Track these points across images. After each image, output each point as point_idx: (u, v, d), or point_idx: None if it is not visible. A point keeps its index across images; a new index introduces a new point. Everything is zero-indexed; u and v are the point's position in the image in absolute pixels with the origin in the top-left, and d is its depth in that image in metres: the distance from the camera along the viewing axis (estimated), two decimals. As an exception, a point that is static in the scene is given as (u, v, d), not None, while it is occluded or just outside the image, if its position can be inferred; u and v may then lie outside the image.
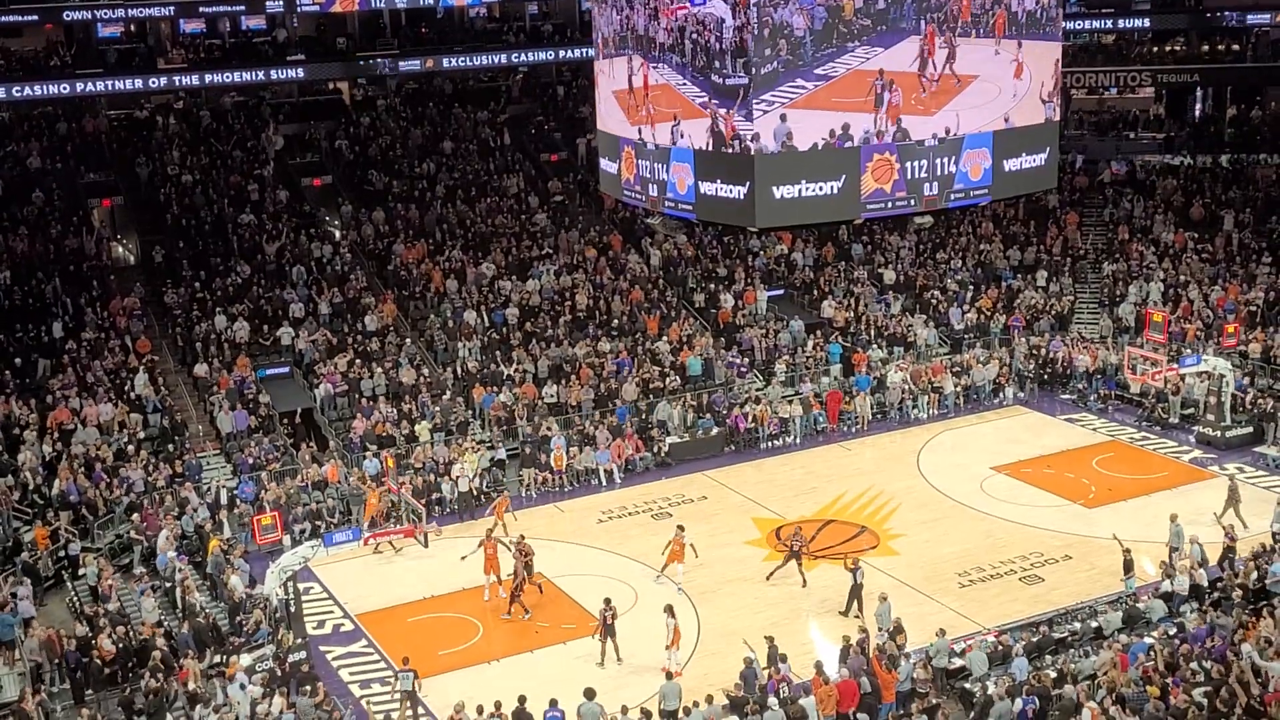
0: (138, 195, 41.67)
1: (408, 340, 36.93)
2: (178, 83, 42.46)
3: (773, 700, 19.74)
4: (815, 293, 41.66)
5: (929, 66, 22.42)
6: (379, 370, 35.05)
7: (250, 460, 31.25)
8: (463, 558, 26.27)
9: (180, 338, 36.06)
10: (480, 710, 19.88)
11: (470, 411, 34.67)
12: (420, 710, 21.61)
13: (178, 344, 36.06)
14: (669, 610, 22.93)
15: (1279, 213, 42.73)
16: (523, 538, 26.26)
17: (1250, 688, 17.63)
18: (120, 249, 41.08)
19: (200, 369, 34.67)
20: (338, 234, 41.83)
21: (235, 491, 30.01)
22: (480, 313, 38.17)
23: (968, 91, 22.99)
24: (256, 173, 42.77)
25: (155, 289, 37.97)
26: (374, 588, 26.92)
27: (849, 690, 20.12)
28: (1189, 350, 35.17)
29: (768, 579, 26.12)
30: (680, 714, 19.99)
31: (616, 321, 38.56)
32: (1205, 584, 23.42)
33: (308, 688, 21.31)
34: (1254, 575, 22.91)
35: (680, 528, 26.47)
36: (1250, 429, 32.88)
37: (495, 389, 34.81)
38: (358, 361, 35.31)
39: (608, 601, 23.41)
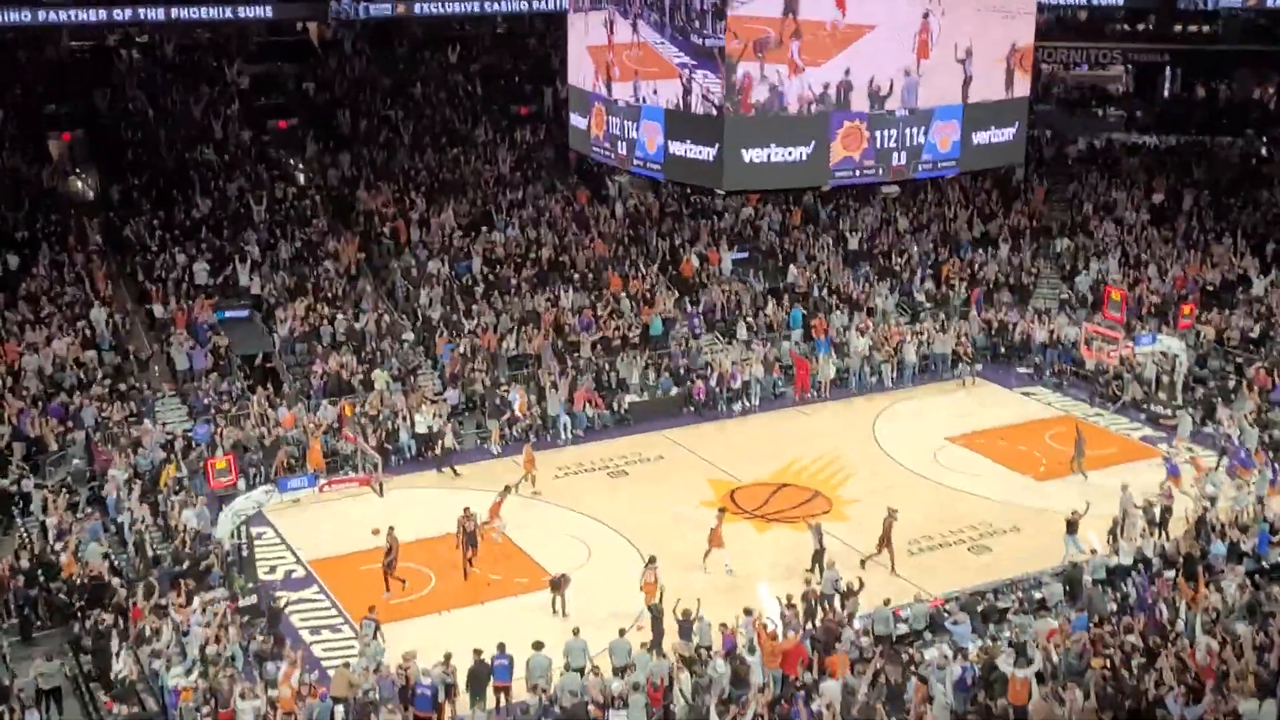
0: (98, 129, 41.11)
1: (369, 287, 36.75)
2: (143, 15, 41.72)
3: (719, 661, 19.97)
4: (780, 256, 41.72)
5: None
6: (339, 316, 34.87)
7: (206, 402, 31.07)
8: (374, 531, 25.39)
9: (139, 275, 35.67)
10: (447, 666, 19.96)
11: (430, 361, 34.61)
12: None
13: (136, 281, 35.68)
14: (651, 561, 23.28)
15: (1239, 195, 43.14)
16: (467, 510, 25.51)
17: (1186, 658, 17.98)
18: (79, 183, 40.56)
19: (159, 308, 34.35)
20: (301, 177, 41.45)
21: (190, 433, 29.84)
22: (444, 261, 38.00)
23: (863, 41, 22.80)
24: (221, 111, 42.27)
25: (114, 225, 37.53)
26: (327, 535, 26.89)
27: (797, 653, 20.34)
28: (1145, 329, 35.52)
29: (892, 572, 24.95)
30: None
31: (579, 275, 38.51)
32: (1151, 556, 23.81)
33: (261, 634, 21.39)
34: (1194, 548, 23.38)
35: (722, 510, 26.16)
36: (1200, 409, 33.29)
37: (455, 338, 34.74)
38: (318, 306, 35.12)
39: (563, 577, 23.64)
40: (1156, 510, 25.74)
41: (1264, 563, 23.69)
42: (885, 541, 25.06)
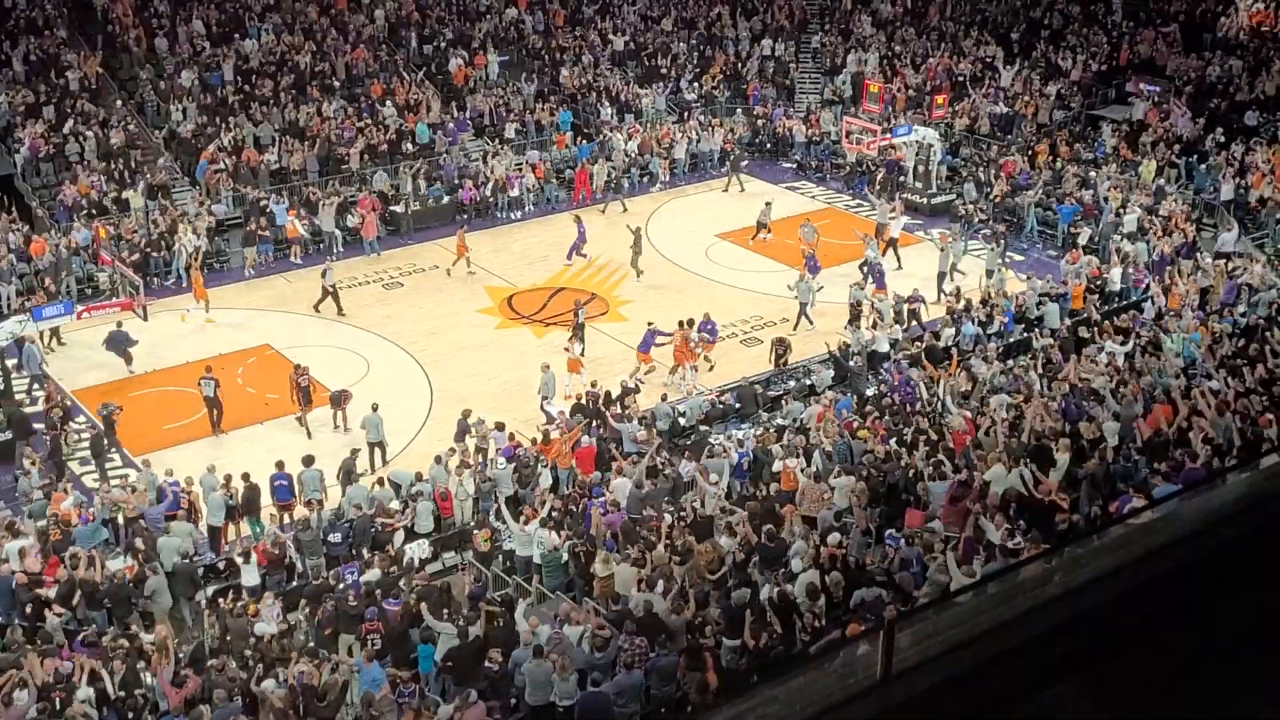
0: None
1: (118, 101, 34.69)
2: None
3: (503, 461, 20.34)
4: (546, 58, 41.16)
5: None
6: (87, 133, 32.91)
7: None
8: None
9: None
10: (227, 488, 19.77)
11: (188, 179, 33.19)
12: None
13: None
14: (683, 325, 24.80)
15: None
16: (299, 367, 23.95)
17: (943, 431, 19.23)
18: None
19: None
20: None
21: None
22: (194, 73, 36.09)
23: None
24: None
25: None
26: (92, 363, 25.92)
27: (588, 453, 20.88)
28: (901, 120, 36.67)
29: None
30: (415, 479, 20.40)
31: (340, 83, 37.22)
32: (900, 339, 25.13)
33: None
34: (949, 332, 24.74)
35: (681, 323, 25.25)
36: (953, 195, 34.77)
37: (212, 154, 33.31)
38: (61, 124, 33.03)
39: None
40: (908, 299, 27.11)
41: (1010, 339, 25.33)
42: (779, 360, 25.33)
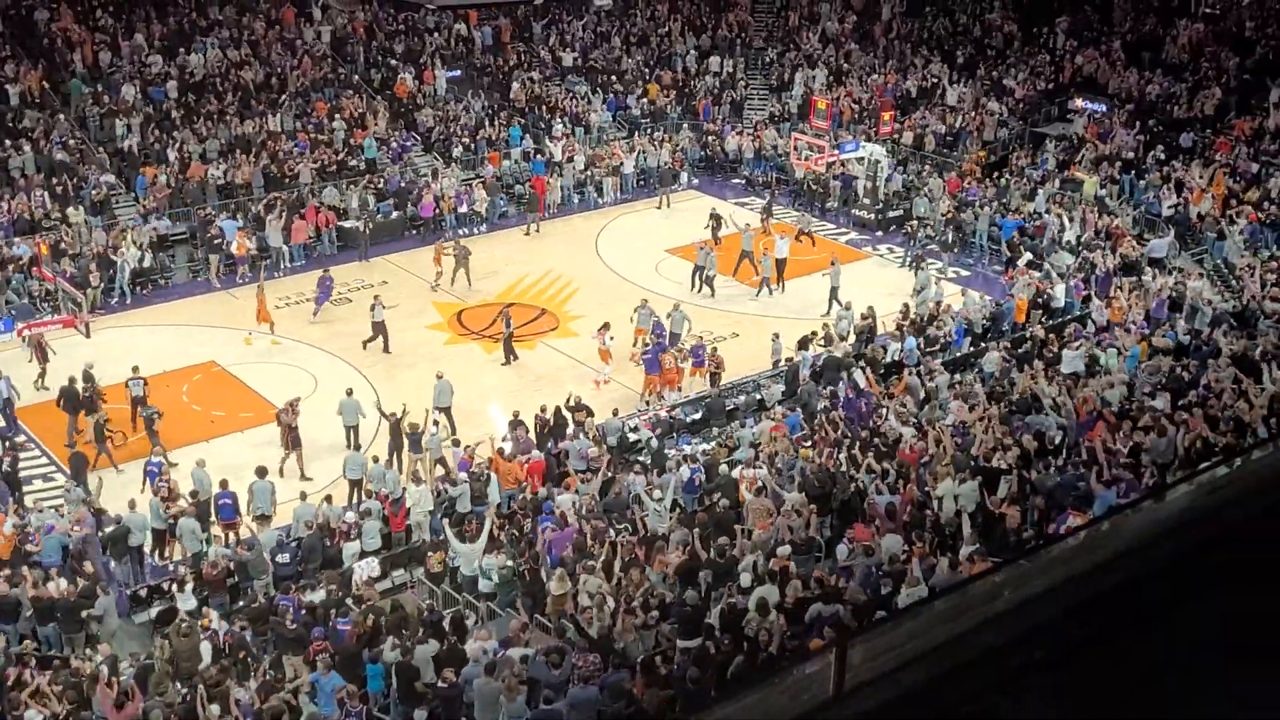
0: None
1: (61, 116, 34.22)
2: None
3: (462, 475, 20.24)
4: (495, 73, 41.09)
5: None
6: (27, 147, 32.44)
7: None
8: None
9: None
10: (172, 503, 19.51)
11: (132, 195, 32.79)
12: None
13: None
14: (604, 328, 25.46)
15: (933, 3, 44.81)
16: (291, 404, 23.03)
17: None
18: None
19: None
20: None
21: None
22: (137, 88, 35.68)
23: None
24: None
25: None
26: (33, 380, 25.48)
27: (537, 468, 20.77)
28: (848, 136, 36.90)
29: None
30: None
31: (286, 100, 36.94)
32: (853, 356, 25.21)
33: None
34: (893, 348, 24.88)
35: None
36: (901, 212, 35.01)
37: (157, 170, 32.94)
38: (3, 139, 32.57)
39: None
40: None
41: (958, 353, 25.52)
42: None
